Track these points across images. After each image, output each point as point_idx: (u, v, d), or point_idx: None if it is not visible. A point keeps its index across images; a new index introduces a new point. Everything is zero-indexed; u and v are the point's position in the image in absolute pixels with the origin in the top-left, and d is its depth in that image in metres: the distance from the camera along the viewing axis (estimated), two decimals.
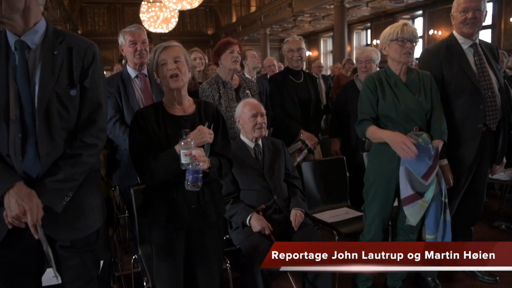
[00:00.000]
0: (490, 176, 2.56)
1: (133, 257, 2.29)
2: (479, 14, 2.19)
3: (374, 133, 2.08)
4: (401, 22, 2.18)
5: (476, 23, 2.20)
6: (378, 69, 3.11)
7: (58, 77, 1.33)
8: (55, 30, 1.38)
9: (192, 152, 1.53)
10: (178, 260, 1.70)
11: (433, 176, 2.01)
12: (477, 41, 2.27)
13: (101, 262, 2.02)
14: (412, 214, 2.06)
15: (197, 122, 1.69)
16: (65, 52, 1.35)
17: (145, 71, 2.48)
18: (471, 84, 2.19)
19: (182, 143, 1.54)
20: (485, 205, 3.64)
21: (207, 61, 4.14)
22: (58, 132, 1.33)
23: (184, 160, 1.53)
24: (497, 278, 2.50)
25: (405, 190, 2.05)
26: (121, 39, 2.46)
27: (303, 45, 3.14)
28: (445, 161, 2.17)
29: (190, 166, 1.53)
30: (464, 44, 2.26)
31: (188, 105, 1.74)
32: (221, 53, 2.69)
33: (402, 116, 2.05)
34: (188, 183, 1.55)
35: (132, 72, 2.46)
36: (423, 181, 2.01)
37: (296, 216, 2.19)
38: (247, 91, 2.80)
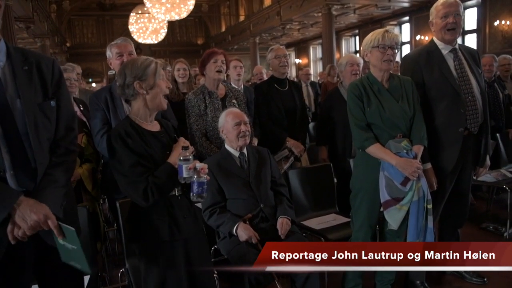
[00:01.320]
0: (475, 178, 2.60)
1: (121, 270, 2.27)
2: (459, 18, 2.24)
3: (378, 152, 2.05)
4: (382, 29, 2.21)
5: (456, 28, 2.24)
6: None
7: (34, 91, 1.38)
8: (15, 48, 1.43)
9: (196, 165, 1.56)
10: (183, 274, 1.69)
11: (411, 182, 2.03)
12: (456, 46, 2.32)
13: (87, 277, 2.02)
14: (391, 217, 2.08)
15: (168, 137, 1.72)
16: (34, 67, 1.40)
17: None
18: (452, 88, 2.23)
19: (182, 158, 1.55)
20: (473, 207, 3.70)
21: (191, 72, 4.15)
22: (45, 142, 1.38)
23: (186, 174, 1.55)
24: (485, 279, 2.53)
25: (383, 195, 2.07)
26: (108, 53, 2.47)
27: (287, 53, 3.21)
28: (428, 165, 2.20)
29: (195, 179, 1.55)
30: (444, 49, 2.30)
31: (155, 121, 1.74)
32: (206, 63, 2.72)
33: (387, 122, 2.07)
34: (194, 194, 1.58)
35: None
36: (402, 187, 2.04)
37: (282, 224, 2.20)
38: (234, 101, 2.82)
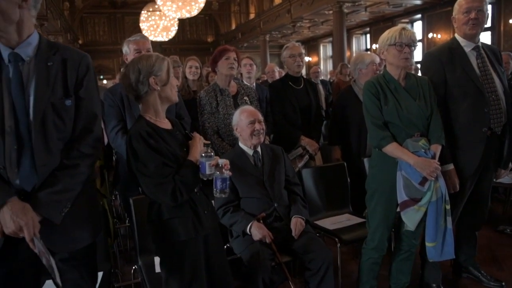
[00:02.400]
0: (495, 180, 2.53)
1: (133, 267, 2.27)
2: (482, 15, 2.17)
3: (395, 151, 2.00)
4: (399, 26, 2.15)
5: (479, 24, 2.18)
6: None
7: (53, 88, 1.34)
8: (48, 42, 1.39)
9: (219, 161, 1.57)
10: (204, 272, 1.69)
11: (429, 182, 1.98)
12: (479, 43, 2.25)
13: (101, 273, 2.01)
14: (408, 218, 2.03)
15: (181, 135, 1.71)
16: (59, 63, 1.36)
17: None
18: (475, 87, 2.16)
19: (204, 155, 1.56)
20: (489, 209, 3.61)
21: (203, 71, 4.14)
22: (54, 142, 1.33)
23: (209, 170, 1.56)
24: (503, 283, 2.46)
25: (401, 196, 2.03)
26: (125, 48, 2.46)
27: (303, 51, 3.15)
28: (451, 166, 2.15)
29: (218, 175, 1.57)
30: (467, 47, 2.23)
31: (166, 119, 1.72)
32: (218, 60, 2.70)
33: (405, 121, 2.02)
34: (217, 190, 1.59)
35: None
36: (420, 187, 1.98)
37: (296, 224, 2.17)
38: (245, 98, 2.80)
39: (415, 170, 1.97)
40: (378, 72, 2.98)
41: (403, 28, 2.07)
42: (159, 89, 1.60)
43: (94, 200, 1.56)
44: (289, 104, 3.02)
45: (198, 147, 1.62)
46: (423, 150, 1.99)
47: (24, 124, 1.29)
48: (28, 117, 1.29)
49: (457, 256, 2.37)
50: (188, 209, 1.63)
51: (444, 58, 2.23)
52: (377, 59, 3.03)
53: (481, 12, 2.16)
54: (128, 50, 2.44)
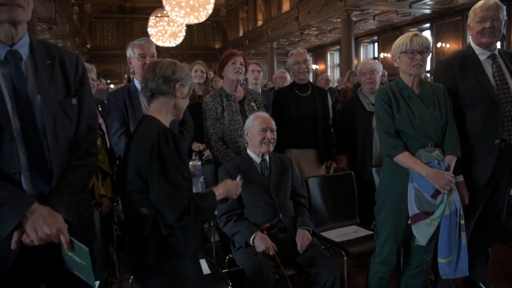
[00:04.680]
0: (511, 194, 2.43)
1: (131, 277, 2.19)
2: (498, 23, 2.10)
3: (407, 161, 1.92)
4: (411, 32, 2.08)
5: (494, 33, 2.10)
6: (379, 78, 3.06)
7: (56, 87, 1.31)
8: (39, 41, 1.36)
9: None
10: None
11: (442, 195, 1.89)
12: (496, 51, 2.17)
13: (97, 282, 1.94)
14: (419, 233, 1.94)
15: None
16: (58, 61, 1.33)
17: None
18: (488, 96, 2.08)
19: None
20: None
21: (212, 74, 4.09)
22: (63, 142, 1.30)
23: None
24: None
25: (412, 208, 1.94)
26: (129, 52, 2.44)
27: (308, 57, 3.08)
28: (460, 178, 2.06)
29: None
30: (482, 55, 2.15)
31: None
32: (224, 64, 2.65)
33: (418, 130, 1.94)
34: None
35: (139, 85, 2.41)
36: (432, 200, 1.90)
37: (303, 238, 2.09)
38: (252, 103, 2.73)
39: (427, 182, 1.89)
40: (370, 81, 2.96)
41: (415, 35, 2.01)
42: (178, 96, 1.55)
43: (89, 204, 1.51)
44: (287, 111, 2.95)
45: (226, 185, 1.62)
46: (436, 162, 1.91)
47: (30, 124, 1.24)
48: (34, 117, 1.24)
49: (469, 272, 2.26)
50: (194, 232, 1.60)
51: (455, 65, 2.15)
52: (368, 68, 3.01)
53: (497, 21, 2.08)
54: (132, 53, 2.43)
